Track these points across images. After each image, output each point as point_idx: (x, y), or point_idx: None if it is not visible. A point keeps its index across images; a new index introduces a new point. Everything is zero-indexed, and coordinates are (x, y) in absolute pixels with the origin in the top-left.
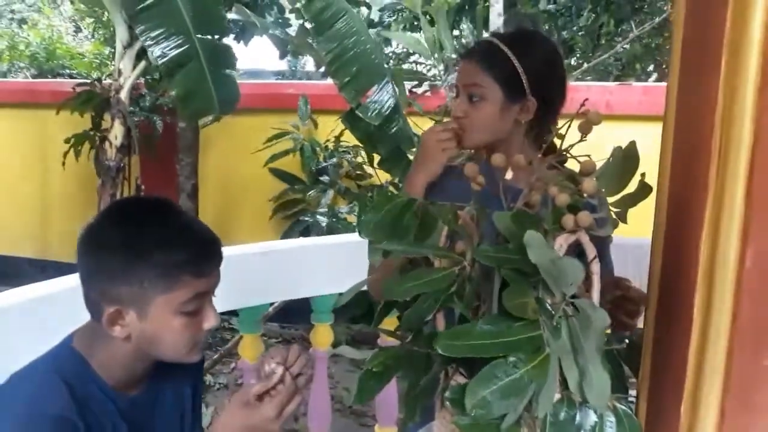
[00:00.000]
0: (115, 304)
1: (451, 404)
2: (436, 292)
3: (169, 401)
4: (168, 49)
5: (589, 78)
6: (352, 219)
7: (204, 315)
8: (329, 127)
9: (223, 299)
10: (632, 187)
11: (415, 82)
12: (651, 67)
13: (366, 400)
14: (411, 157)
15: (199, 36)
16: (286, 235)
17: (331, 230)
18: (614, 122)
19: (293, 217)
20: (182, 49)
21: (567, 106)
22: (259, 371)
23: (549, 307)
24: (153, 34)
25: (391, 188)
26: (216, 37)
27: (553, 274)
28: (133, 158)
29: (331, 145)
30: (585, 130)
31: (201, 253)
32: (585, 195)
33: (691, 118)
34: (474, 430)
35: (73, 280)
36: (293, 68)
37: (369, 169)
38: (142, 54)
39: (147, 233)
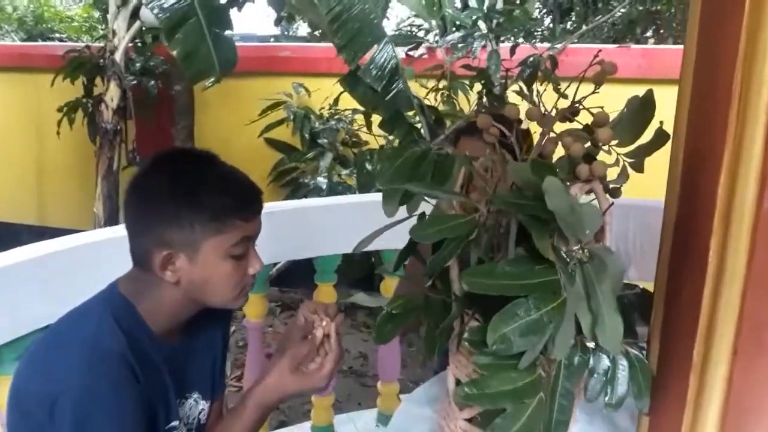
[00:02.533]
0: (167, 248)
1: (470, 344)
2: (457, 238)
3: (202, 348)
4: (168, 5)
5: (588, 41)
6: (353, 181)
7: (249, 260)
8: (324, 93)
9: None
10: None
11: (411, 45)
12: (649, 33)
13: (385, 341)
14: (411, 120)
15: None
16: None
17: (332, 192)
18: (613, 85)
19: (290, 184)
20: (182, 6)
21: (570, 69)
22: (296, 323)
23: (564, 254)
24: None
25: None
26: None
27: (570, 221)
28: (129, 123)
29: (326, 113)
30: (599, 81)
31: (246, 198)
32: (600, 144)
33: (711, 65)
34: (492, 369)
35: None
36: (285, 33)
37: (364, 136)
38: (135, 14)
39: (195, 179)
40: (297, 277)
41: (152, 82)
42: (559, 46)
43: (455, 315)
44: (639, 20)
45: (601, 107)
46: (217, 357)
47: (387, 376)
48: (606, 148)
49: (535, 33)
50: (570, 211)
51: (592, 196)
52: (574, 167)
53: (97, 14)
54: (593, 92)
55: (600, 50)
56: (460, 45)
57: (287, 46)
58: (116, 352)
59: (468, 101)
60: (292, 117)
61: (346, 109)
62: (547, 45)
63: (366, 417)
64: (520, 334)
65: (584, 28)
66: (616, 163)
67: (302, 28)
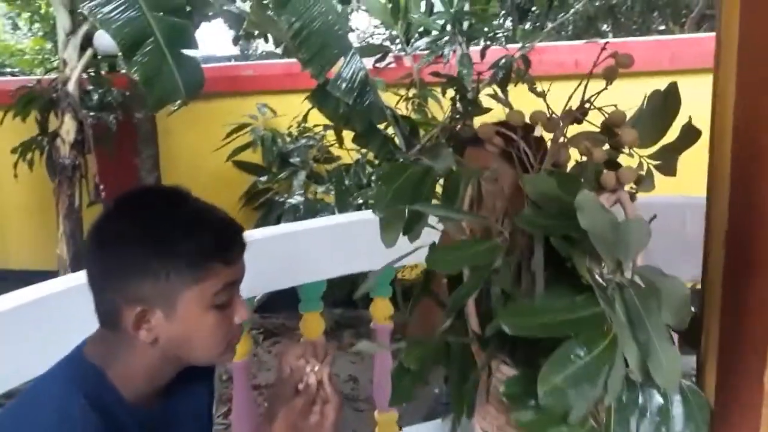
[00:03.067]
0: (138, 303)
1: (508, 399)
2: (480, 267)
3: (185, 410)
4: (122, 26)
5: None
6: (331, 198)
7: (234, 308)
8: (293, 110)
9: None
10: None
11: (378, 55)
12: (607, 27)
13: (403, 402)
14: (386, 131)
15: (155, 13)
16: (259, 225)
17: (309, 210)
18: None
19: (263, 207)
20: (137, 26)
21: (540, 68)
22: (281, 375)
23: (599, 278)
24: (104, 11)
25: (367, 165)
26: (172, 16)
27: (611, 241)
28: (88, 157)
29: (295, 131)
30: (611, 76)
31: (227, 238)
32: (624, 147)
33: (761, 53)
34: (538, 427)
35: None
36: (245, 52)
37: (337, 151)
38: (86, 43)
39: (166, 221)
40: (278, 301)
41: (112, 117)
42: (528, 45)
43: (484, 364)
44: (599, 15)
45: (615, 105)
46: (203, 418)
47: (384, 404)
48: (628, 150)
49: (497, 35)
50: (611, 229)
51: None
52: (597, 175)
53: (49, 45)
54: (604, 89)
55: (607, 43)
56: (428, 51)
57: (251, 65)
58: (85, 427)
59: (441, 108)
60: (259, 141)
61: (316, 125)
62: (516, 46)
63: None
64: (573, 383)
65: (549, 26)
66: (640, 166)
67: (262, 46)
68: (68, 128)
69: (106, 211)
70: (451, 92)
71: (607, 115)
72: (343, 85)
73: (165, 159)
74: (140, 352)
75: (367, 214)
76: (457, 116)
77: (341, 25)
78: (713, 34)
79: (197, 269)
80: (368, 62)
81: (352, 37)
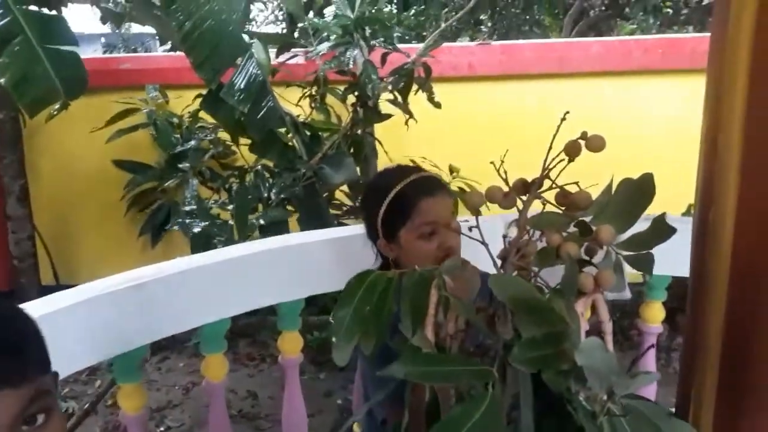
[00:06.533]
0: None
1: None
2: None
3: None
4: None
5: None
6: (226, 215)
7: None
8: (181, 105)
9: None
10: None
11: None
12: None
13: None
14: (284, 139)
15: (20, 7)
16: (143, 232)
17: (209, 238)
18: (477, 83)
19: (149, 210)
20: (1, 23)
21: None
22: None
23: (585, 404)
24: None
25: (265, 173)
26: (40, 8)
27: (604, 374)
28: None
29: (187, 122)
30: (573, 153)
31: None
32: (600, 246)
33: None
34: None
35: None
36: (117, 30)
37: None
38: None
39: None
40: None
41: None
42: (430, 47)
43: None
44: (478, 7)
45: (576, 182)
46: None
47: (293, 429)
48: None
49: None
50: (610, 368)
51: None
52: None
53: None
54: (567, 165)
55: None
56: (332, 55)
57: (127, 57)
58: None
59: (345, 107)
60: (152, 122)
61: (207, 126)
62: (413, 45)
63: None
64: None
65: (442, 26)
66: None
67: (135, 27)
68: None
69: None
70: (351, 98)
71: (568, 193)
72: (238, 92)
73: (33, 161)
74: None
75: (278, 241)
76: (357, 122)
77: (235, 24)
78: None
79: None
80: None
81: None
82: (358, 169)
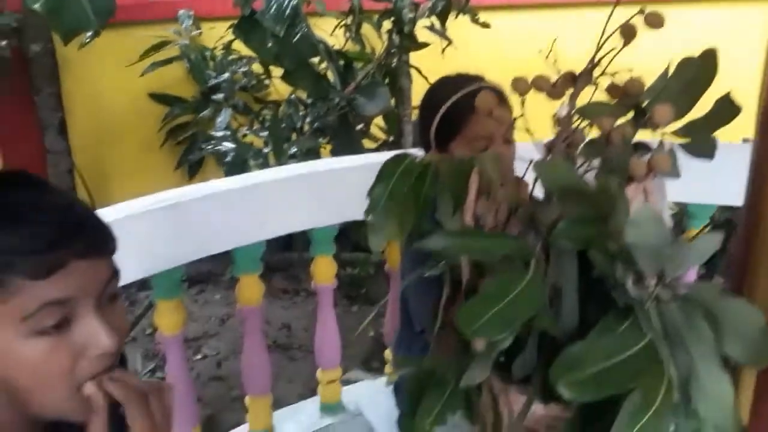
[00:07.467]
0: None
1: None
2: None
3: None
4: None
5: None
6: (259, 142)
7: (87, 332)
8: (213, 38)
9: None
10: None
11: None
12: None
13: None
14: (317, 68)
15: None
16: (180, 165)
17: (240, 159)
18: (517, 11)
19: (185, 142)
20: None
21: None
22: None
23: (632, 290)
24: None
25: (299, 104)
26: None
27: (665, 256)
28: None
29: (220, 55)
30: (628, 36)
31: (47, 238)
32: (655, 127)
33: None
34: None
35: None
36: None
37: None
38: None
39: None
40: None
41: (4, 42)
42: None
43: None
44: None
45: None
46: None
47: (326, 362)
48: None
49: None
50: (663, 245)
51: None
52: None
53: None
54: (620, 50)
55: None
56: None
57: None
58: None
59: (380, 38)
60: (185, 56)
61: (241, 55)
62: None
63: (309, 409)
64: None
65: None
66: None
67: None
68: None
69: None
70: (387, 24)
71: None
72: (273, 15)
73: (69, 96)
74: None
75: (309, 166)
76: (393, 51)
77: None
78: None
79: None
80: None
81: None
82: (393, 100)
